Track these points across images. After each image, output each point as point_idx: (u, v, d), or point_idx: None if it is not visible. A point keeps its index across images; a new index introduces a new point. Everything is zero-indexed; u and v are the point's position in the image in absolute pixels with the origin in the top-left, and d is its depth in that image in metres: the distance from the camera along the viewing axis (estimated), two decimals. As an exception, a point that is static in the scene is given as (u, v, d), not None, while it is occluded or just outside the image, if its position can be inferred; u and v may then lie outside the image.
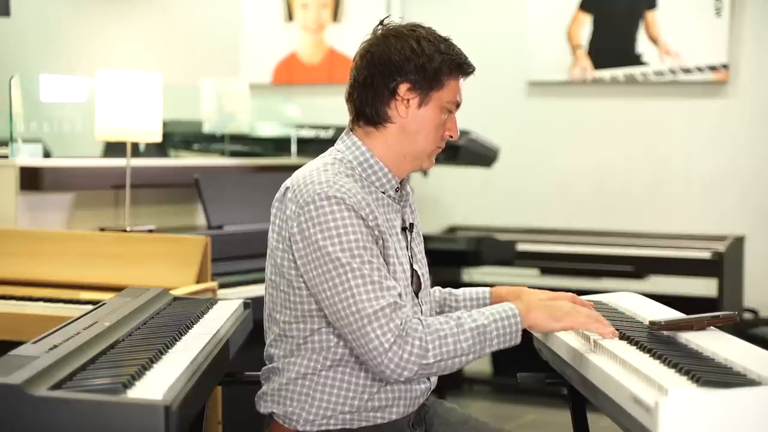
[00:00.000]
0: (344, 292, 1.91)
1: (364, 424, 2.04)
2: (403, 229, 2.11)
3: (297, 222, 1.96)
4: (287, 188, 2.03)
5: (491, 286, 2.36)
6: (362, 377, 2.03)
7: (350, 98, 2.09)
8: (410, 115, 2.05)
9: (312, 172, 2.01)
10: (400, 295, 1.96)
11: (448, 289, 2.34)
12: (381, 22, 2.10)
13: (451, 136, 2.10)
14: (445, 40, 2.08)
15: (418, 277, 2.11)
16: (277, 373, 2.07)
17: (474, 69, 2.10)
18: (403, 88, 2.03)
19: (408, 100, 2.04)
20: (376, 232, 1.98)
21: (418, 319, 1.94)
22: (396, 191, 2.10)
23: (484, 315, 1.95)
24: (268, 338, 2.11)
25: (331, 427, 2.03)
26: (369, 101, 2.05)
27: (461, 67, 2.07)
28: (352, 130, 2.10)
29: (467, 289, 2.32)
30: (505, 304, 1.98)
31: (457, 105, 2.09)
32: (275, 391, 2.07)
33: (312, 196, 1.95)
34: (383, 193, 2.07)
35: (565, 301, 2.09)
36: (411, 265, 2.10)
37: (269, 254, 2.07)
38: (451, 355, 1.90)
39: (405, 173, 2.11)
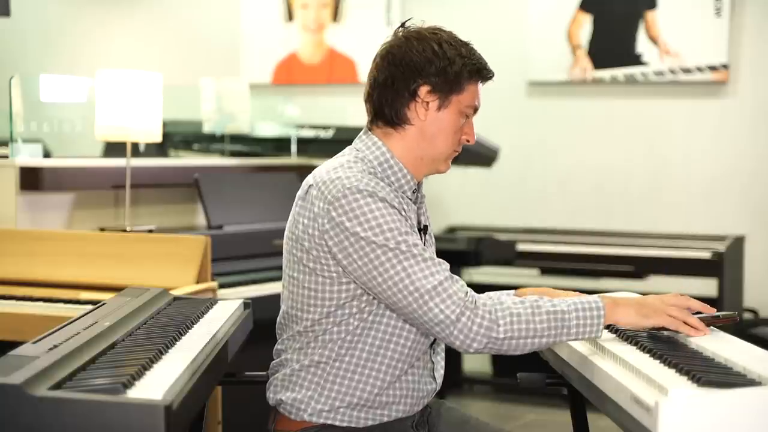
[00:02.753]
0: (397, 275, 1.92)
1: (370, 422, 2.05)
2: (419, 230, 2.12)
3: (328, 218, 1.96)
4: (310, 186, 2.03)
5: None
6: (374, 371, 2.03)
7: (369, 98, 2.10)
8: (429, 117, 2.06)
9: (336, 168, 2.02)
10: None
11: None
12: (402, 24, 2.11)
13: (468, 141, 2.12)
14: (466, 45, 2.09)
15: None
16: (290, 361, 2.07)
17: (493, 74, 2.12)
18: (423, 90, 2.04)
19: (428, 103, 2.05)
20: (409, 223, 1.99)
21: (489, 296, 1.96)
22: (413, 193, 2.11)
23: (565, 302, 1.94)
24: (284, 334, 2.11)
25: (337, 423, 2.03)
26: (389, 102, 2.06)
27: (481, 72, 2.09)
28: (370, 130, 2.11)
29: (492, 293, 2.33)
30: (591, 297, 1.97)
31: (475, 110, 2.11)
32: (287, 377, 2.07)
33: (342, 191, 1.95)
34: (402, 193, 2.08)
35: (652, 296, 2.05)
36: None
37: (288, 251, 2.07)
38: (523, 334, 1.90)
39: (422, 175, 2.13)
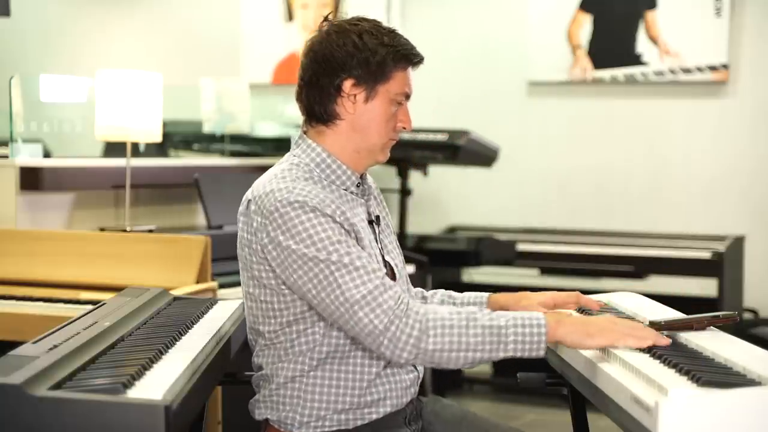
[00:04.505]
0: (329, 286, 1.90)
1: (359, 423, 2.04)
2: (370, 222, 2.11)
3: (265, 232, 1.96)
4: (249, 201, 2.03)
5: (492, 286, 2.36)
6: (351, 373, 2.02)
7: (299, 98, 2.09)
8: (358, 110, 2.04)
9: (271, 180, 2.01)
10: (392, 272, 1.94)
11: (448, 292, 2.33)
12: (326, 18, 2.10)
13: (405, 128, 2.09)
14: (390, 32, 2.06)
15: (392, 267, 2.11)
16: (267, 379, 2.07)
17: (422, 58, 2.08)
18: (347, 85, 2.03)
19: (354, 96, 2.03)
20: (346, 226, 1.98)
21: (425, 306, 1.92)
22: (357, 186, 2.10)
23: (505, 317, 1.89)
24: (254, 349, 2.11)
25: (326, 429, 2.02)
26: (317, 100, 2.05)
27: (407, 57, 2.06)
28: (305, 133, 2.11)
29: (467, 293, 2.31)
30: (535, 313, 1.91)
31: (407, 96, 2.08)
32: (266, 397, 2.07)
33: (274, 204, 1.94)
34: (345, 190, 2.07)
35: (602, 317, 1.99)
36: (383, 257, 2.10)
37: (242, 268, 2.06)
38: (454, 347, 1.86)
39: (363, 168, 2.11)
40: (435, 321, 1.87)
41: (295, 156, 2.08)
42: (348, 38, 2.03)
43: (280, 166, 2.07)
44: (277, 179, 2.00)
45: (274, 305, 2.01)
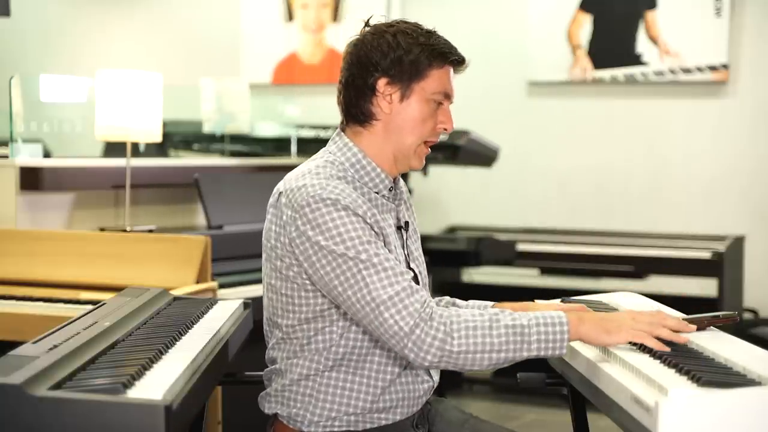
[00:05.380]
0: (356, 284, 1.90)
1: (368, 426, 2.03)
2: (398, 228, 2.11)
3: (294, 227, 1.95)
4: (280, 193, 2.02)
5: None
6: (365, 378, 2.02)
7: (338, 101, 2.10)
8: (393, 109, 2.04)
9: (305, 175, 2.00)
10: (416, 279, 1.93)
11: (453, 300, 2.33)
12: (366, 23, 2.10)
13: (446, 129, 2.08)
14: (427, 33, 2.06)
15: (416, 275, 2.10)
16: (280, 374, 2.07)
17: (462, 58, 2.07)
18: (381, 83, 2.03)
19: (390, 95, 2.03)
20: (376, 229, 1.98)
21: (448, 308, 1.92)
22: (390, 190, 2.09)
23: (527, 316, 1.88)
24: (270, 342, 2.11)
25: (335, 429, 2.02)
26: (353, 101, 2.06)
27: (444, 55, 2.04)
28: (343, 131, 2.11)
29: (471, 302, 2.31)
30: (555, 312, 1.90)
31: (446, 95, 2.06)
32: (278, 392, 2.07)
33: (306, 200, 1.94)
34: (377, 193, 2.06)
35: (622, 312, 1.99)
36: (408, 264, 2.10)
37: (266, 259, 2.06)
38: (479, 348, 1.85)
39: (397, 172, 2.11)
40: (459, 323, 1.87)
41: (330, 153, 2.08)
42: (382, 38, 2.03)
43: (314, 161, 2.06)
44: (311, 174, 2.00)
45: (294, 299, 2.01)
